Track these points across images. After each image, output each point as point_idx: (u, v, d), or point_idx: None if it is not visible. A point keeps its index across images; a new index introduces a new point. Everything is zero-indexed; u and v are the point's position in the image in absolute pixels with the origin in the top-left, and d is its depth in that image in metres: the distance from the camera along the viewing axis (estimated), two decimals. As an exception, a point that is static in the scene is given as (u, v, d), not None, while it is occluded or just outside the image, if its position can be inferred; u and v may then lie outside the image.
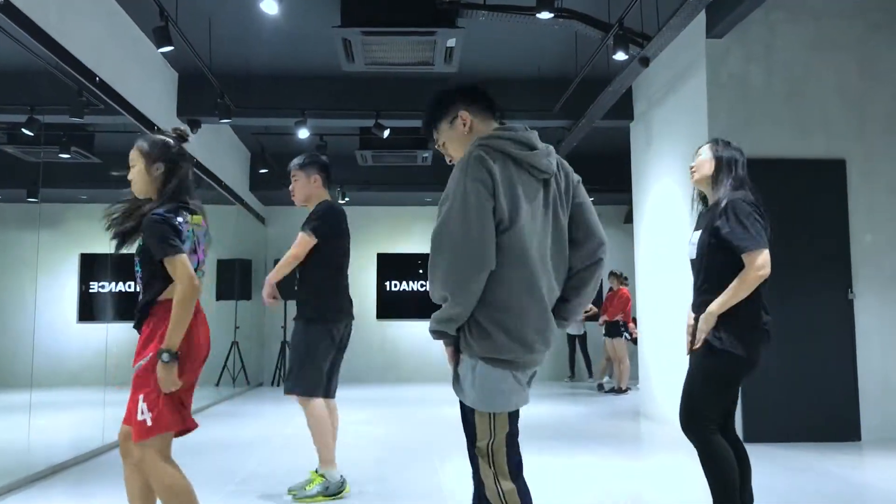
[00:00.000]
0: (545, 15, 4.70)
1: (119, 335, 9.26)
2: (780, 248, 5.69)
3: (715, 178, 3.08)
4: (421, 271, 12.80)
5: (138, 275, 2.60)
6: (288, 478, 4.33)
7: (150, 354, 2.47)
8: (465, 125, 2.24)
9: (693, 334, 2.96)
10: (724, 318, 2.88)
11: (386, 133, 7.58)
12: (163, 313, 2.50)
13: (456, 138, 2.26)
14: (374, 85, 7.58)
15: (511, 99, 7.46)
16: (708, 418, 2.92)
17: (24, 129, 6.21)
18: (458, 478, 4.34)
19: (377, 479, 4.37)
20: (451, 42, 5.58)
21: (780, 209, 5.78)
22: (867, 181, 5.94)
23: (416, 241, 12.75)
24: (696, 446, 2.95)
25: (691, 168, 3.17)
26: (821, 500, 3.78)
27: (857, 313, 5.81)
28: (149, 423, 2.43)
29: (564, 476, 4.46)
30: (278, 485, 4.20)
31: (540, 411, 7.81)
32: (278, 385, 11.46)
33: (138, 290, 2.60)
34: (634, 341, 9.50)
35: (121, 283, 9.71)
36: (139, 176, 2.65)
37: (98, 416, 5.94)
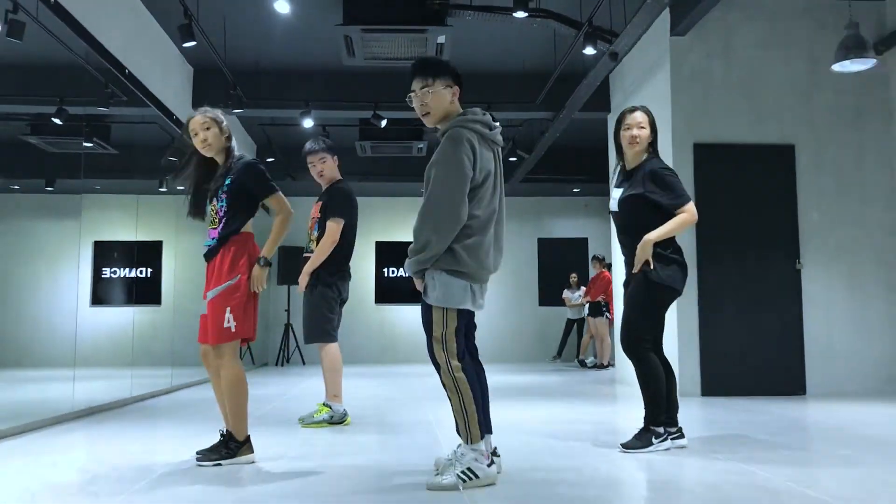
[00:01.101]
0: (520, 14, 5.39)
1: (133, 317, 9.88)
2: (735, 223, 6.43)
3: (649, 146, 3.75)
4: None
5: (222, 209, 3.27)
6: (298, 416, 5.00)
7: (238, 276, 3.19)
8: (454, 96, 2.98)
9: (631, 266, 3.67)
10: (656, 259, 3.56)
11: (383, 123, 8.26)
12: (242, 243, 3.24)
13: (442, 99, 2.94)
14: (372, 78, 8.26)
15: (497, 91, 8.15)
16: (646, 340, 3.62)
17: (54, 119, 6.85)
18: (444, 414, 5.01)
19: (375, 416, 5.04)
20: (442, 39, 6.27)
21: (737, 189, 6.50)
22: (814, 165, 6.63)
23: (412, 231, 13.39)
24: (634, 363, 3.63)
25: (634, 137, 3.71)
26: (762, 428, 4.43)
27: (804, 282, 6.49)
28: (233, 329, 3.19)
29: (543, 419, 5.13)
30: (290, 419, 4.87)
31: (523, 380, 8.49)
32: (282, 365, 12.13)
33: (217, 224, 3.30)
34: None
35: (133, 270, 10.35)
36: (215, 138, 3.34)
37: (126, 382, 6.59)
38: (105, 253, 10.00)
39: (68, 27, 5.12)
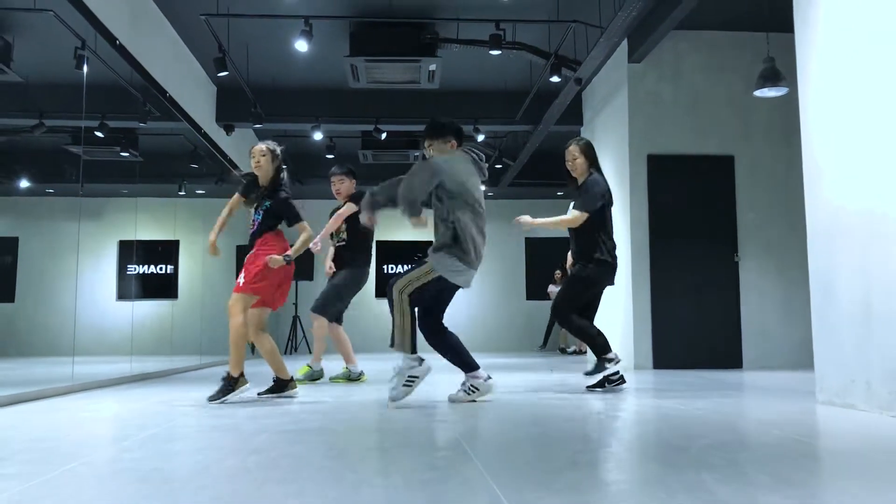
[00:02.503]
0: (496, 51, 6.55)
1: (150, 310, 10.93)
2: (683, 222, 7.58)
3: (589, 168, 4.90)
4: (416, 256, 14.61)
5: (257, 221, 4.30)
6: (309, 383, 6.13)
7: (263, 265, 4.18)
8: (451, 147, 4.13)
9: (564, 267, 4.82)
10: (585, 260, 4.69)
11: (383, 135, 9.42)
12: (272, 242, 4.26)
13: (442, 150, 4.11)
14: (373, 98, 9.42)
15: (482, 108, 9.31)
16: (570, 312, 4.74)
17: (96, 133, 7.96)
18: (436, 377, 6.14)
19: (378, 378, 6.18)
20: (433, 67, 7.43)
21: (685, 192, 7.65)
22: (750, 172, 7.78)
23: (410, 230, 14.52)
24: (564, 324, 4.76)
25: (571, 166, 4.90)
26: (686, 386, 5.56)
27: (741, 272, 7.64)
28: (241, 283, 4.18)
29: (517, 380, 6.27)
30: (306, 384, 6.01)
31: (510, 361, 9.63)
32: (290, 354, 13.26)
33: (252, 227, 4.36)
34: None
35: (152, 266, 11.45)
36: (267, 163, 4.33)
37: (166, 360, 7.70)
38: (135, 251, 11.05)
39: (126, 62, 6.25)
